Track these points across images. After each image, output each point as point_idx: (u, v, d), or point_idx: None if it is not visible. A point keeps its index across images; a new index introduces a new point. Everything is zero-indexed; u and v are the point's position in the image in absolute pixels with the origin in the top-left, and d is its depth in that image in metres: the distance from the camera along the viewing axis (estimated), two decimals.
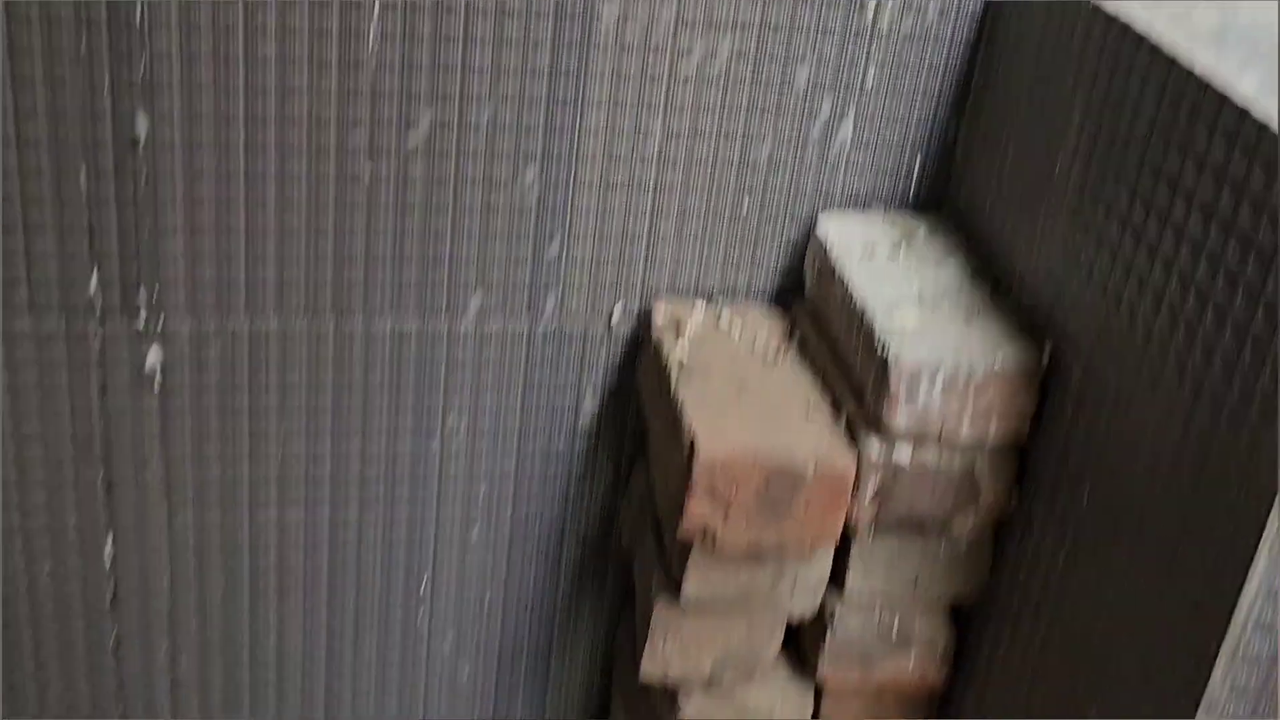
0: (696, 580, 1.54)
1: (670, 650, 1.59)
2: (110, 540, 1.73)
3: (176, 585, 1.77)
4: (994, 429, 1.47)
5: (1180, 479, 1.23)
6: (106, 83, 1.48)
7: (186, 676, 1.83)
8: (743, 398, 1.55)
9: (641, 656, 1.61)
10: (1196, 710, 1.22)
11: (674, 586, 1.57)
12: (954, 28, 1.64)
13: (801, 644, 1.67)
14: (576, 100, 1.59)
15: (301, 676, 1.87)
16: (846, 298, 1.55)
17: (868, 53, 1.63)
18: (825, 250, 1.63)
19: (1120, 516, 1.32)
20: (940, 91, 1.67)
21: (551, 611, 1.90)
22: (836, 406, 1.55)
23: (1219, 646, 1.19)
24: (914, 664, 1.62)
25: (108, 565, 1.74)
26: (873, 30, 1.62)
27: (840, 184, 1.69)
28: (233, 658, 1.83)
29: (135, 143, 1.51)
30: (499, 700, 1.96)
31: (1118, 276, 1.33)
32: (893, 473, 1.49)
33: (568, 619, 1.91)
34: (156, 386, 1.65)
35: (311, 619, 1.83)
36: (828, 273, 1.62)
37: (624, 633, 1.90)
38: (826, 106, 1.65)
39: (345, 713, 1.91)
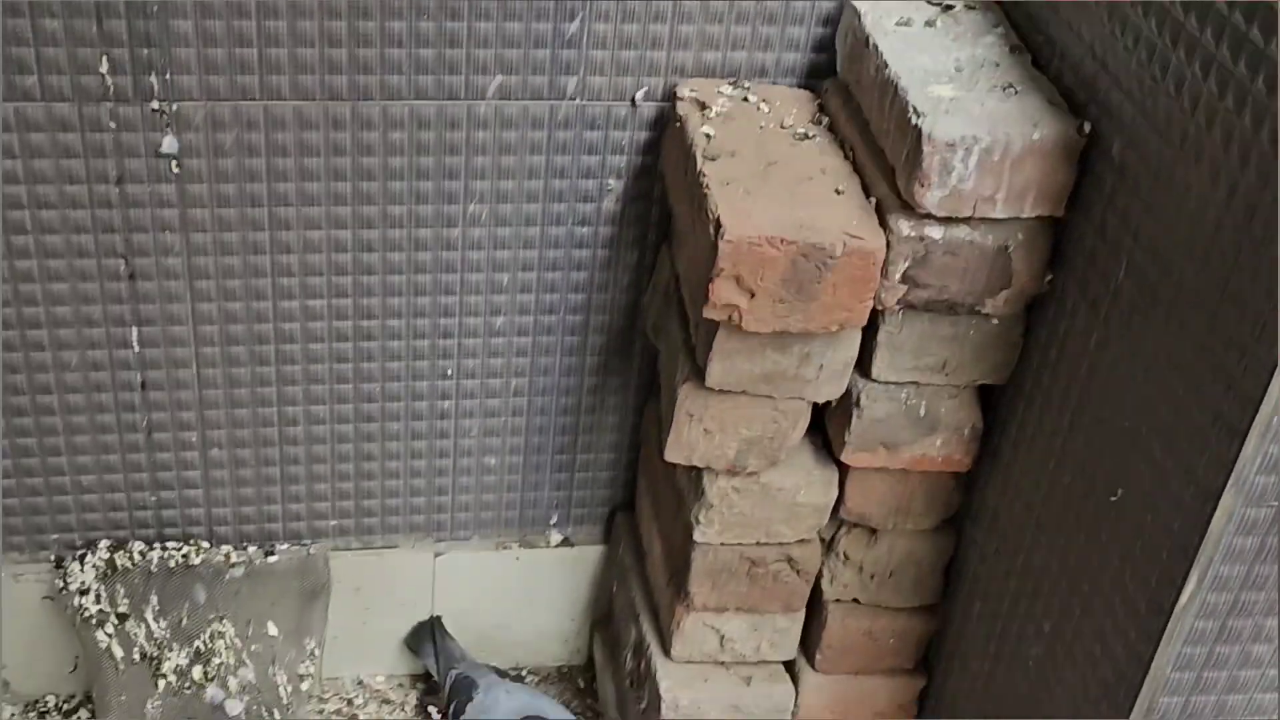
0: (721, 364, 1.52)
1: (695, 435, 1.59)
2: (135, 331, 1.72)
3: (203, 375, 1.77)
4: (1030, 205, 1.43)
5: (1222, 249, 1.20)
6: None
7: (219, 460, 1.84)
8: (770, 178, 1.51)
9: (666, 441, 1.60)
10: (1225, 485, 1.21)
11: (699, 371, 1.56)
12: None
13: (827, 428, 1.66)
14: None
15: (329, 464, 1.88)
16: (879, 70, 1.50)
17: None
18: (859, 21, 1.57)
19: (1157, 292, 1.30)
20: None
21: (576, 399, 1.90)
22: (867, 186, 1.51)
23: (1252, 421, 1.17)
24: (940, 447, 1.62)
25: (134, 355, 1.74)
26: None
27: None
28: (262, 446, 1.84)
29: None
30: (525, 488, 1.97)
31: (1164, 43, 1.28)
32: (923, 252, 1.46)
33: (593, 407, 1.91)
34: (173, 174, 1.63)
35: (338, 408, 1.83)
36: (860, 45, 1.56)
37: (649, 419, 1.90)
38: None
39: (375, 501, 1.92)
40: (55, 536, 1.87)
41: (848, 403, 1.59)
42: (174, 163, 1.62)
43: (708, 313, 1.46)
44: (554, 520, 2.01)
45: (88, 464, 1.81)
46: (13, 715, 1.96)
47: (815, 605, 1.76)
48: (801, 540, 1.69)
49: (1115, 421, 1.37)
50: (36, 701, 1.99)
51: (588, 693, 2.13)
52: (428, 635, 2.04)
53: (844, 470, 1.65)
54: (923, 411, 1.59)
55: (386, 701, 2.07)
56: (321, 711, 2.02)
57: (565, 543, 2.03)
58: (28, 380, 1.73)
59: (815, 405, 1.60)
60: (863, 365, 1.57)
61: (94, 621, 1.84)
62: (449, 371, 1.83)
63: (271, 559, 1.92)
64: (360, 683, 2.09)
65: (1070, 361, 1.45)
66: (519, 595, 2.06)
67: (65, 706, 1.99)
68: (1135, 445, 1.33)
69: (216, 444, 1.83)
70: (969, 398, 1.60)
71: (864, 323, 1.49)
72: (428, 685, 2.09)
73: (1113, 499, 1.37)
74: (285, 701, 1.90)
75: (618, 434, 1.95)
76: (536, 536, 2.02)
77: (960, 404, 1.60)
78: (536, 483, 1.97)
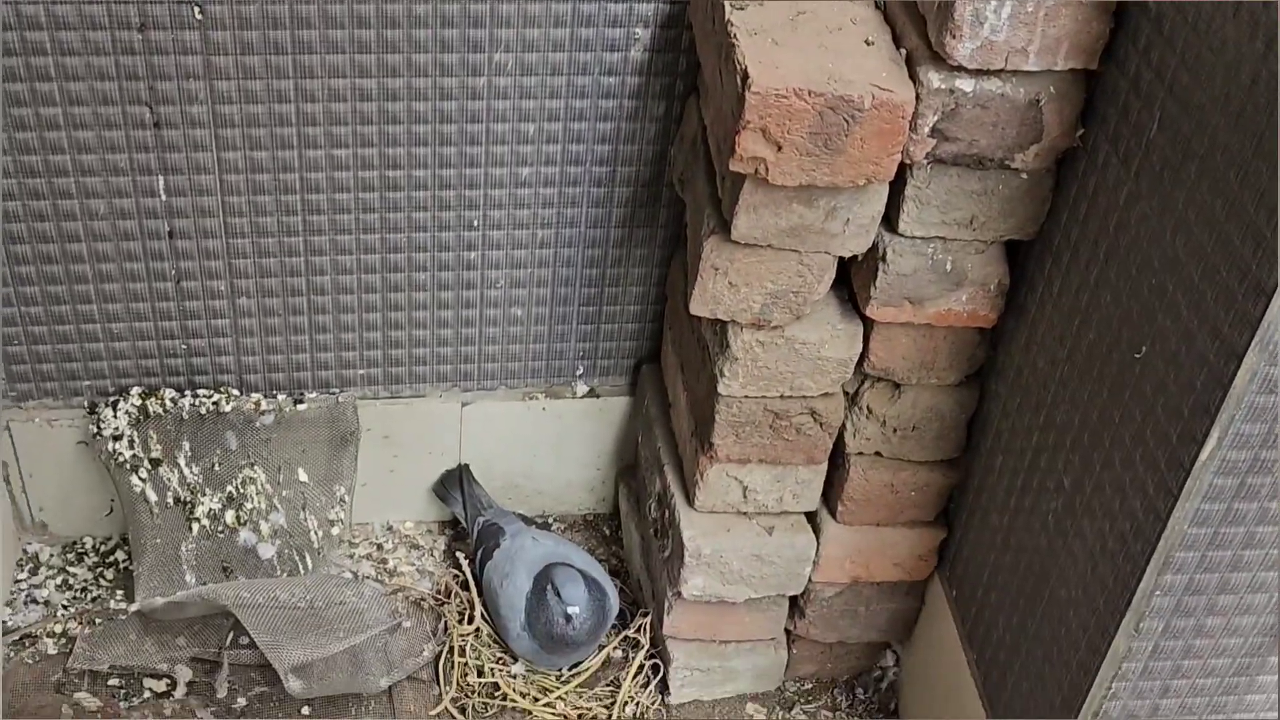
0: (747, 217, 1.52)
1: (720, 287, 1.59)
2: (162, 180, 1.72)
3: (230, 225, 1.77)
4: (1063, 58, 1.40)
5: (1257, 104, 1.18)
6: None
7: (247, 309, 1.86)
8: (799, 28, 1.48)
9: (691, 294, 1.61)
10: (1250, 344, 1.20)
11: (724, 224, 1.56)
12: None
13: (852, 282, 1.66)
14: None
15: (357, 314, 1.89)
16: None
17: None
18: None
19: (1190, 147, 1.28)
20: None
21: (603, 253, 1.90)
22: (898, 37, 1.49)
23: None
24: (966, 302, 1.61)
25: (161, 204, 1.74)
26: None
27: None
28: (290, 296, 1.85)
29: None
30: (551, 339, 1.98)
31: None
32: (953, 105, 1.44)
33: (619, 259, 1.91)
34: (196, 20, 1.61)
35: (365, 259, 1.83)
36: None
37: (675, 272, 1.90)
38: None
39: (402, 351, 1.94)
40: (88, 383, 1.89)
41: (874, 257, 1.59)
42: (197, 9, 1.60)
43: (734, 165, 1.45)
44: (580, 372, 2.03)
45: (118, 311, 1.83)
46: (52, 556, 2.01)
47: (838, 458, 1.78)
48: (825, 394, 1.69)
49: (1143, 278, 1.36)
50: (75, 543, 2.03)
51: (612, 540, 2.17)
52: (456, 483, 2.07)
53: (869, 325, 1.65)
54: (949, 266, 1.58)
55: (415, 546, 2.11)
56: (352, 555, 2.06)
57: (591, 394, 2.05)
58: (56, 229, 1.74)
59: (841, 259, 1.59)
60: (889, 220, 1.56)
61: (128, 467, 1.88)
62: (475, 223, 1.83)
63: (301, 407, 1.94)
64: (389, 528, 2.13)
65: (1099, 217, 1.44)
66: (545, 445, 2.08)
67: (103, 548, 2.03)
68: (1162, 302, 1.33)
69: (244, 293, 1.84)
70: (996, 253, 1.59)
71: (891, 177, 1.48)
72: (455, 531, 2.13)
73: (1137, 356, 1.37)
74: (316, 546, 1.95)
75: (643, 286, 1.95)
76: (562, 387, 2.04)
77: (987, 259, 1.59)
78: (563, 334, 1.98)
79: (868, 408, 1.71)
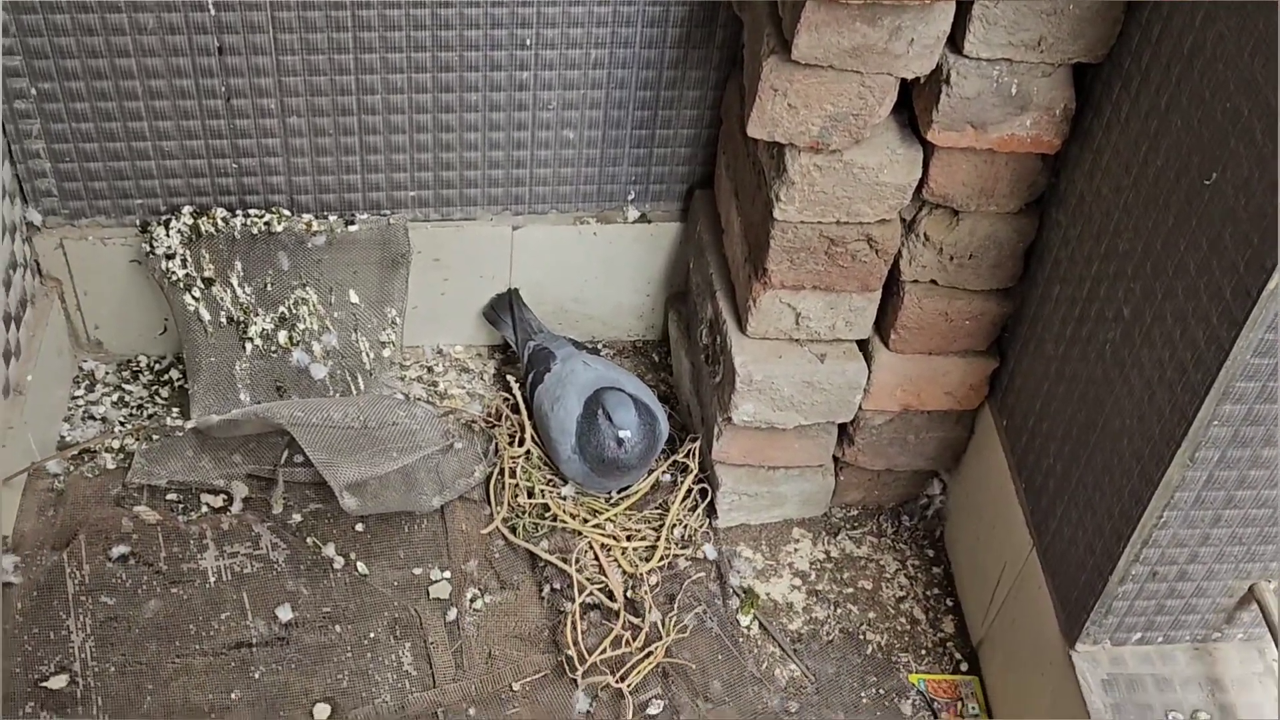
0: (809, 36, 1.48)
1: (778, 109, 1.56)
2: None
3: (280, 41, 1.74)
4: None
5: None
6: None
7: (298, 128, 1.84)
8: None
9: (749, 116, 1.58)
10: None
11: (785, 44, 1.52)
12: None
13: (914, 105, 1.62)
14: None
15: (408, 135, 1.87)
16: None
17: None
18: None
19: None
20: None
21: (657, 74, 1.86)
22: None
23: None
24: (1030, 127, 1.58)
25: (210, 19, 1.71)
26: None
27: None
28: (340, 115, 1.83)
29: None
30: (603, 163, 1.95)
31: None
32: None
33: (673, 81, 1.87)
34: None
35: (415, 78, 1.81)
36: None
37: (731, 94, 1.87)
38: None
39: (453, 173, 1.92)
40: (140, 201, 1.89)
41: (937, 80, 1.55)
42: None
43: None
44: (631, 196, 2.01)
45: (168, 129, 1.82)
46: (108, 374, 2.03)
47: (892, 285, 1.76)
48: (882, 220, 1.67)
49: (1216, 102, 1.32)
50: (130, 361, 2.05)
51: (662, 366, 2.17)
52: (506, 307, 2.07)
53: (929, 150, 1.62)
54: (1014, 90, 1.54)
55: (465, 370, 2.12)
56: (403, 377, 2.08)
57: (643, 219, 2.03)
58: (105, 44, 1.71)
59: (903, 82, 1.56)
60: (954, 40, 1.52)
61: (181, 286, 1.88)
62: (528, 42, 1.80)
63: (352, 228, 1.94)
64: (440, 351, 2.14)
65: (1173, 39, 1.40)
66: (596, 270, 2.07)
67: (157, 367, 2.05)
68: (1236, 126, 1.29)
69: (295, 112, 1.82)
70: (1063, 76, 1.55)
71: None
72: (505, 356, 2.14)
73: (1206, 182, 1.34)
74: (368, 367, 1.96)
75: (698, 109, 1.92)
76: (614, 212, 2.02)
77: (1053, 82, 1.55)
78: (615, 158, 1.96)
79: (925, 235, 1.69)
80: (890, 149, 1.61)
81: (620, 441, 1.84)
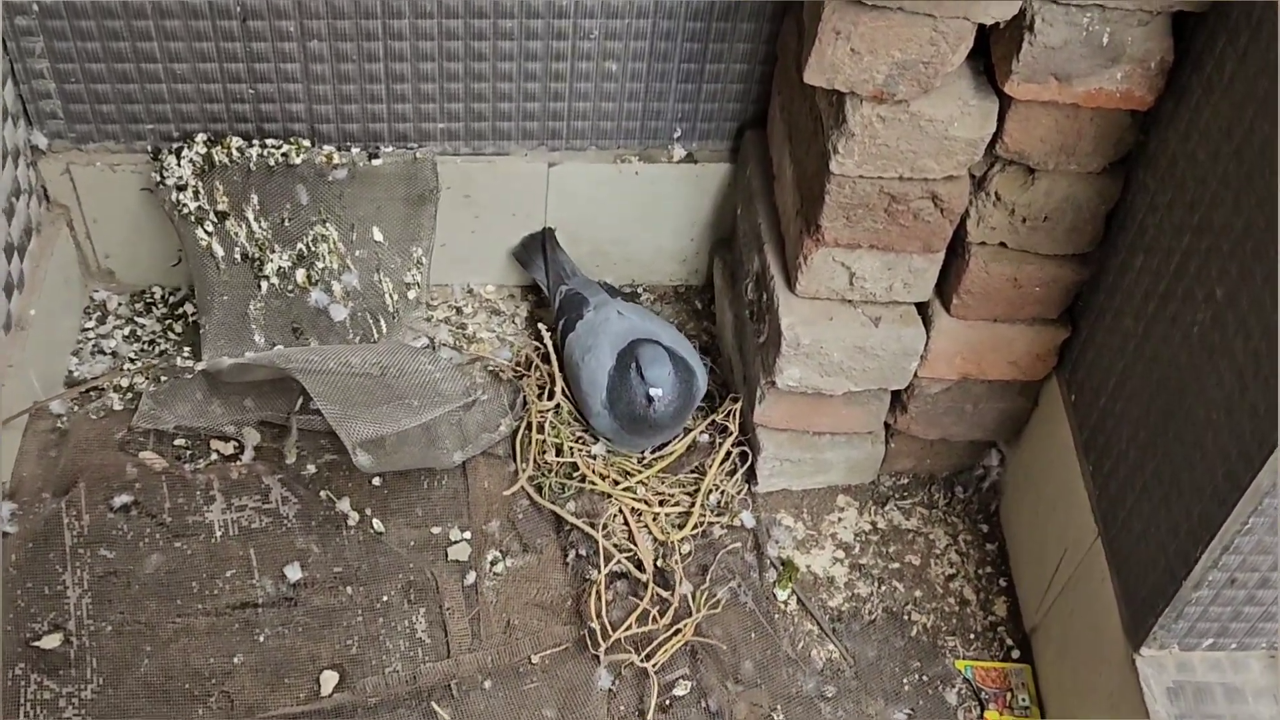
0: None
1: (840, 55, 1.41)
2: None
3: None
4: None
5: None
6: None
7: (318, 53, 1.70)
8: None
9: (807, 60, 1.43)
10: None
11: None
12: None
13: (991, 53, 1.46)
14: None
15: (437, 63, 1.73)
16: None
17: None
18: None
19: None
20: None
21: (709, 6, 1.71)
22: None
23: None
24: (1121, 80, 1.42)
25: None
26: None
27: None
28: (365, 40, 1.69)
29: None
30: (648, 98, 1.81)
31: None
32: None
33: (726, 11, 1.72)
34: None
35: (447, 3, 1.66)
36: None
37: (788, 29, 1.71)
38: None
39: (486, 105, 1.78)
40: (151, 126, 1.77)
41: (1019, 25, 1.39)
42: None
43: None
44: (678, 134, 1.86)
45: (180, 50, 1.69)
46: (120, 305, 1.92)
47: (956, 246, 1.62)
48: (949, 176, 1.52)
49: None
50: (143, 292, 1.94)
51: (704, 314, 2.04)
52: (538, 248, 1.94)
53: (1005, 102, 1.47)
54: (1105, 39, 1.38)
55: (496, 312, 2.00)
56: (429, 319, 1.96)
57: (689, 159, 1.89)
58: None
59: (980, 27, 1.40)
60: None
61: (193, 219, 1.76)
62: None
63: (376, 162, 1.80)
64: (469, 291, 2.01)
65: None
66: (637, 211, 1.94)
67: (171, 299, 1.94)
68: None
69: (316, 36, 1.69)
70: (1161, 25, 1.39)
71: None
72: (539, 298, 2.01)
73: None
74: (391, 310, 1.84)
75: (752, 43, 1.77)
76: (658, 150, 1.88)
77: (1150, 32, 1.39)
78: (660, 92, 1.81)
79: (996, 194, 1.54)
80: (962, 100, 1.46)
81: (650, 399, 1.71)
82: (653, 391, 1.71)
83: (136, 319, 1.91)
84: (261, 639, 1.63)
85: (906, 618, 1.77)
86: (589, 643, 1.66)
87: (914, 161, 1.49)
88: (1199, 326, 1.38)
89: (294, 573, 1.67)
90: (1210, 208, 1.37)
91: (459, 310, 1.99)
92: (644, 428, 1.77)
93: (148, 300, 1.94)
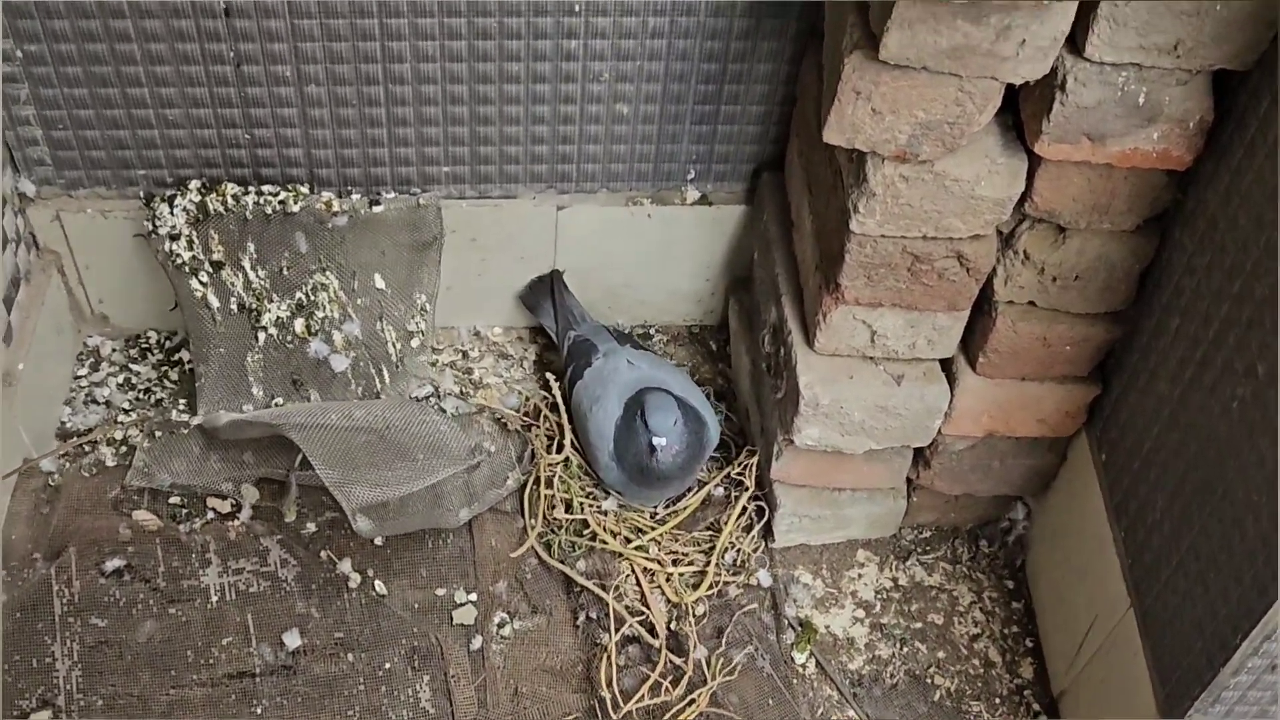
0: (901, 34, 1.25)
1: (860, 114, 1.33)
2: None
3: (294, 2, 1.53)
4: None
5: None
6: None
7: (316, 97, 1.63)
8: None
9: (826, 119, 1.35)
10: None
11: (871, 38, 1.29)
12: None
13: (1020, 110, 1.39)
14: None
15: (441, 106, 1.66)
16: None
17: None
18: None
19: None
20: None
21: (724, 45, 1.63)
22: None
23: None
24: (1158, 140, 1.35)
25: None
26: None
27: None
28: (365, 84, 1.62)
29: None
30: (661, 139, 1.74)
31: None
32: None
33: (743, 53, 1.65)
34: None
35: (449, 45, 1.59)
36: None
37: (807, 70, 1.63)
38: None
39: (492, 149, 1.71)
40: (143, 173, 1.70)
41: (1050, 85, 1.32)
42: None
43: None
44: (691, 176, 1.79)
45: (172, 96, 1.62)
46: (114, 351, 1.86)
47: (983, 304, 1.54)
48: (975, 236, 1.45)
49: None
50: (138, 337, 1.88)
51: (719, 356, 1.96)
52: (546, 291, 1.87)
53: (1034, 160, 1.39)
54: (1142, 99, 1.31)
55: (503, 355, 1.93)
56: (435, 363, 1.89)
57: (703, 200, 1.82)
58: (97, 4, 1.51)
59: (1009, 85, 1.32)
60: (1073, 41, 1.28)
61: (187, 269, 1.70)
62: (577, 7, 1.57)
63: (378, 208, 1.74)
64: (476, 334, 1.94)
65: None
66: (650, 254, 1.86)
67: (167, 344, 1.88)
68: None
69: (313, 80, 1.62)
70: (1201, 84, 1.31)
71: None
72: (548, 340, 1.94)
73: None
74: (394, 359, 1.77)
75: (770, 84, 1.69)
76: (671, 192, 1.81)
77: (1189, 91, 1.31)
78: (674, 134, 1.74)
79: (1025, 253, 1.47)
80: (989, 158, 1.38)
81: (654, 448, 1.64)
82: (657, 441, 1.64)
83: (131, 365, 1.85)
84: (259, 710, 1.57)
85: (930, 681, 1.71)
86: (599, 713, 1.60)
87: (938, 221, 1.42)
88: (1239, 401, 1.31)
89: (293, 639, 1.61)
90: (1253, 277, 1.29)
91: (465, 354, 1.92)
92: (652, 479, 1.70)
93: (143, 345, 1.87)
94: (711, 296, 1.95)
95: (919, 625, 1.75)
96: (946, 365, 1.61)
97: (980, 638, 1.75)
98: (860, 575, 1.79)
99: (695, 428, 1.69)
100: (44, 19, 1.52)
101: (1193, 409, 1.40)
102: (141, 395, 1.82)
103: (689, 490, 1.78)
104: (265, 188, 1.71)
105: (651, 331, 1.97)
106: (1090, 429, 1.64)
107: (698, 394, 1.77)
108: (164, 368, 1.85)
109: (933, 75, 1.29)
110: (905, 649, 1.73)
